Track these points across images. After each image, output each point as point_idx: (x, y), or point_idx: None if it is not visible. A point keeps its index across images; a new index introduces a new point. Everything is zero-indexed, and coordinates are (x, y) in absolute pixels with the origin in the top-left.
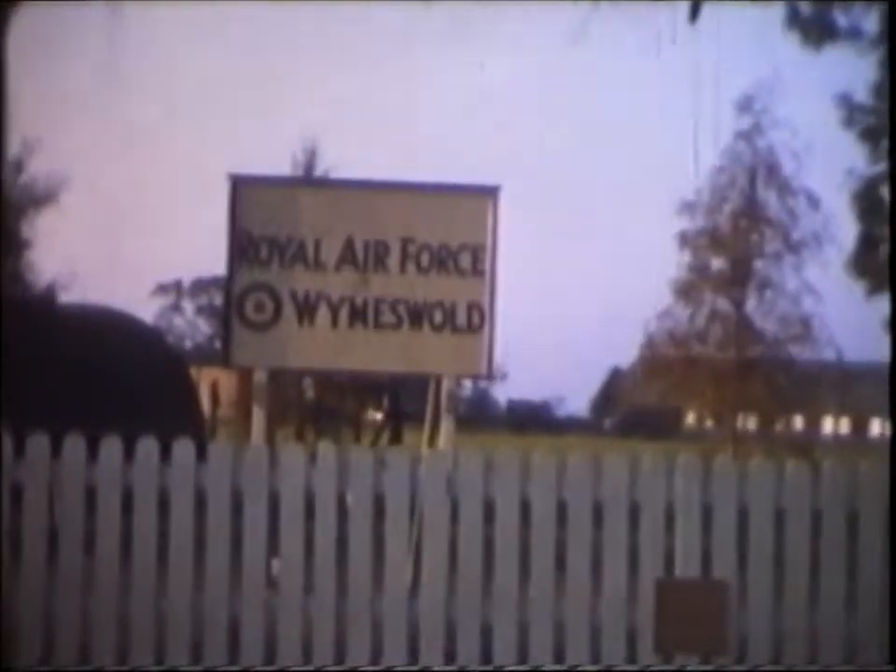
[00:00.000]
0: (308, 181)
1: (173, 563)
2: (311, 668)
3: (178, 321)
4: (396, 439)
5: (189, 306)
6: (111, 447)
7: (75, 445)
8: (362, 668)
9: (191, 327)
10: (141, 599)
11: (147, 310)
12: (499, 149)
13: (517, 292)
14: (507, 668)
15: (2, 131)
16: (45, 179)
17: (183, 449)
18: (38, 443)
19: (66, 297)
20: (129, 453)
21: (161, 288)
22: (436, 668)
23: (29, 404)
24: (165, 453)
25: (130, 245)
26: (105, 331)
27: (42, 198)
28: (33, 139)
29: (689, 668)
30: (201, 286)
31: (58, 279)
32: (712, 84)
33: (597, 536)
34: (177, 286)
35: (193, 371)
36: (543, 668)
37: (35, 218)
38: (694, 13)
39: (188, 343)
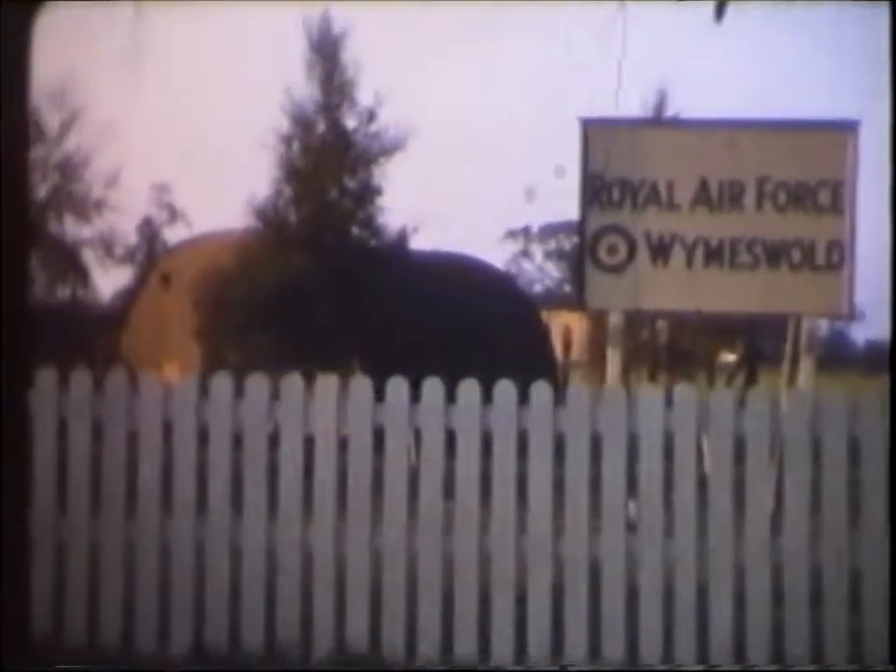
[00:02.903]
0: (659, 122)
1: (532, 505)
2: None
3: (528, 266)
4: (751, 380)
5: (538, 251)
6: (469, 390)
7: (433, 388)
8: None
9: (541, 271)
10: (501, 539)
11: (497, 255)
12: (851, 87)
13: (877, 228)
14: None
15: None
16: (395, 127)
17: (541, 391)
18: (397, 387)
19: (418, 243)
20: (487, 396)
21: (511, 234)
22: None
23: (387, 349)
24: (522, 396)
25: (480, 190)
26: (459, 277)
27: (393, 146)
28: (384, 91)
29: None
30: (550, 230)
31: (410, 226)
32: None
33: None
34: (526, 231)
35: (544, 316)
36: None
37: (387, 166)
38: (720, 12)
39: (537, 288)
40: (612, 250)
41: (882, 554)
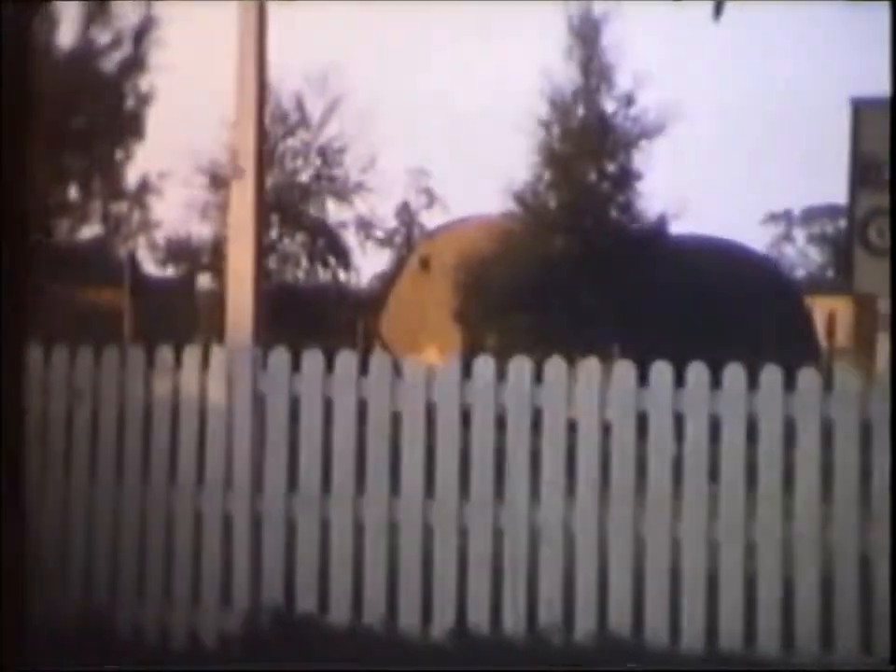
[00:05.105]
0: None
1: (799, 492)
2: None
3: (789, 250)
4: None
5: (800, 234)
6: (734, 376)
7: (698, 373)
8: None
9: (803, 255)
10: (767, 527)
11: (757, 239)
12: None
13: None
14: None
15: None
16: (656, 110)
17: (808, 378)
18: (661, 371)
19: (678, 227)
20: (752, 381)
21: (772, 217)
22: None
23: (647, 334)
24: (788, 382)
25: (739, 173)
26: (719, 261)
27: (653, 129)
28: (644, 74)
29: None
30: (812, 213)
31: (670, 210)
32: None
33: None
34: (788, 214)
35: (807, 301)
36: None
37: (647, 150)
38: (718, 10)
39: (799, 272)
40: (884, 233)
41: None
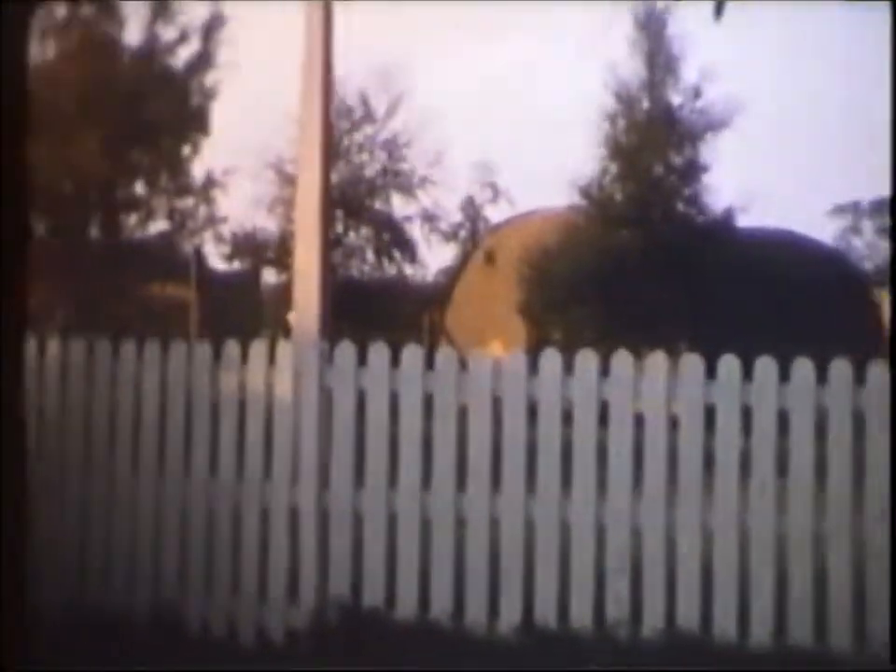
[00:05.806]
0: None
1: (868, 487)
2: None
3: (857, 242)
4: None
5: (868, 227)
6: (802, 369)
7: (765, 367)
8: None
9: (871, 248)
10: (837, 522)
11: (825, 231)
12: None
13: None
14: None
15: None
16: (723, 103)
17: (877, 372)
18: (729, 364)
19: (745, 220)
20: (821, 375)
21: (840, 209)
22: None
23: (713, 327)
24: (859, 375)
25: (806, 165)
26: (786, 253)
27: (720, 122)
28: (710, 67)
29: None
30: (881, 205)
31: (737, 202)
32: None
33: None
34: (856, 206)
35: (876, 293)
36: None
37: (714, 142)
38: (719, 10)
39: (867, 265)
40: None
41: None
